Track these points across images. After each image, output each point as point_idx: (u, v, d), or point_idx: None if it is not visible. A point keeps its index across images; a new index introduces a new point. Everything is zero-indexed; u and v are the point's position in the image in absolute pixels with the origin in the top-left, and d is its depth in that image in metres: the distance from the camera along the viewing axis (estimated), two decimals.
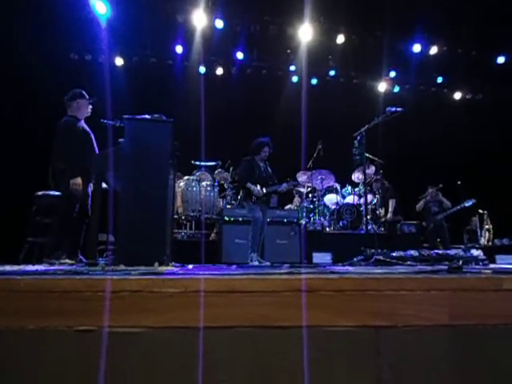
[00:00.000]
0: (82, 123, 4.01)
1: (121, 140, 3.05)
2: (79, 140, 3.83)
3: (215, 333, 1.32)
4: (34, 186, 4.48)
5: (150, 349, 1.30)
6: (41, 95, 6.17)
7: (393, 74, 8.73)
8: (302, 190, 7.21)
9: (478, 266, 3.30)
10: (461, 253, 3.80)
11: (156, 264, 2.56)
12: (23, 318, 1.31)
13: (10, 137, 6.10)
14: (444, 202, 7.08)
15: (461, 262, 3.29)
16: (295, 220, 5.93)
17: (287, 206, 7.09)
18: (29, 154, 5.95)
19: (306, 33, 7.66)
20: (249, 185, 4.92)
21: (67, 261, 3.50)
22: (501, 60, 8.48)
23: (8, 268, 2.52)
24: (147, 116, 3.07)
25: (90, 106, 4.06)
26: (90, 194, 3.92)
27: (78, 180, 3.68)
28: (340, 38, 7.98)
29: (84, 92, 4.05)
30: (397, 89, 8.99)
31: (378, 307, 1.36)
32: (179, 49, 7.73)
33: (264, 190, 4.93)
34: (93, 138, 4.01)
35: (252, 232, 4.86)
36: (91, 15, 6.73)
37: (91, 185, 3.90)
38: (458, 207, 6.95)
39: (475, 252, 3.82)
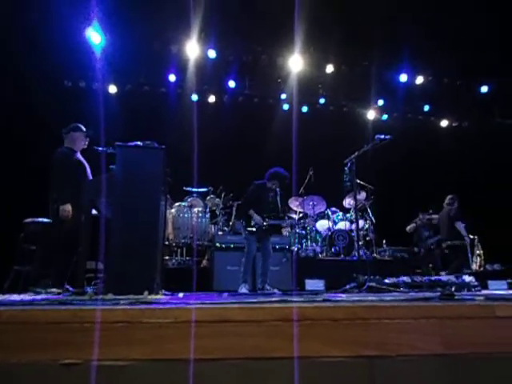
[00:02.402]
0: (78, 155, 4.07)
1: (112, 167, 3.05)
2: (72, 170, 3.87)
3: (206, 365, 1.28)
4: (21, 213, 4.43)
5: (139, 383, 1.26)
6: (34, 122, 6.20)
7: (381, 102, 8.96)
8: (293, 216, 7.21)
9: (470, 293, 3.29)
10: (453, 279, 3.80)
11: (146, 292, 2.51)
12: (5, 352, 1.26)
13: (0, 163, 6.06)
14: (433, 219, 7.12)
15: (453, 289, 3.29)
16: (287, 246, 5.90)
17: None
18: (19, 180, 5.91)
19: (296, 63, 7.88)
20: (251, 212, 4.81)
21: (54, 290, 3.42)
22: (484, 89, 8.79)
23: None
24: (139, 143, 3.09)
25: (87, 139, 4.13)
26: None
27: (68, 206, 3.68)
28: (329, 68, 8.21)
29: (80, 125, 4.13)
30: (385, 117, 9.21)
31: (371, 336, 1.35)
32: (172, 77, 7.88)
33: (267, 221, 4.81)
34: (87, 170, 4.05)
35: (244, 263, 4.74)
36: (86, 44, 6.86)
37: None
38: None
39: (467, 278, 3.82)
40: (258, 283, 4.83)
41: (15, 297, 2.77)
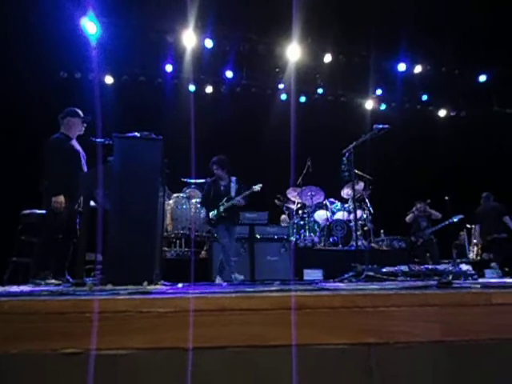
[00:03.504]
0: (74, 142, 3.94)
1: (110, 158, 3.04)
2: (66, 158, 3.75)
3: (206, 353, 1.30)
4: (19, 205, 4.42)
5: (139, 371, 1.27)
6: (30, 114, 6.15)
7: (379, 92, 8.92)
8: (291, 206, 7.23)
9: (467, 281, 3.32)
10: (450, 268, 3.82)
11: (145, 283, 2.53)
12: (6, 342, 1.27)
13: None
14: (433, 214, 7.17)
15: (450, 277, 3.32)
16: (285, 237, 5.92)
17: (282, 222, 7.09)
18: (16, 172, 5.89)
19: (293, 52, 7.82)
20: (209, 215, 4.96)
21: (53, 281, 3.43)
22: (482, 78, 8.77)
23: None
24: (137, 134, 3.08)
25: (84, 125, 4.00)
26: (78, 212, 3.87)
27: (61, 198, 3.58)
28: (327, 58, 8.16)
29: (77, 110, 3.98)
30: (383, 106, 9.19)
31: (369, 324, 1.36)
32: (169, 67, 7.81)
33: (221, 209, 4.86)
34: (82, 158, 3.96)
35: (223, 257, 4.81)
36: (81, 34, 6.79)
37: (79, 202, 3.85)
38: (447, 222, 7.03)
39: (464, 267, 3.85)
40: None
41: (15, 288, 2.78)
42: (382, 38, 7.50)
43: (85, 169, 3.93)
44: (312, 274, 5.50)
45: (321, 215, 7.03)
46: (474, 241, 8.13)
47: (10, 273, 4.16)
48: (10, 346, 1.26)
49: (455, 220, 6.96)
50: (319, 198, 7.10)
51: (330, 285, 2.67)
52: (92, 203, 3.66)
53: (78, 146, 3.97)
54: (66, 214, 3.65)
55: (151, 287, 2.45)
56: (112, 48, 7.19)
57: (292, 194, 7.22)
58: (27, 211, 4.29)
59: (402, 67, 8.46)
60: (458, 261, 6.95)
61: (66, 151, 3.80)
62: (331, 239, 6.51)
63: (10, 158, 6.08)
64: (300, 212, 7.00)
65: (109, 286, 2.39)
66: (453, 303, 1.42)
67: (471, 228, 8.08)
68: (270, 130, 7.84)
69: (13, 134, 6.24)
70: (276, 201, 7.35)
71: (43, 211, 3.83)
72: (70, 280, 3.59)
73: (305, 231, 6.80)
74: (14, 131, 6.26)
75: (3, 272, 4.16)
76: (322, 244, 6.54)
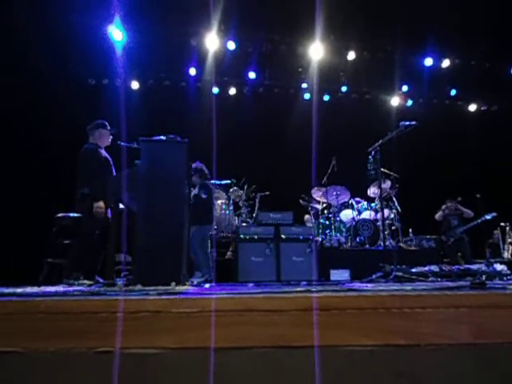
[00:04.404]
0: (103, 151, 4.20)
1: (137, 161, 3.12)
2: (101, 166, 4.00)
3: (232, 354, 1.31)
4: (54, 208, 4.60)
5: (169, 370, 1.30)
6: (62, 119, 6.39)
7: (405, 88, 8.71)
8: (316, 206, 7.17)
9: (502, 282, 3.19)
10: (483, 268, 3.69)
11: (173, 284, 2.57)
12: (43, 340, 1.32)
13: (32, 160, 6.29)
14: (465, 212, 6.94)
15: (484, 278, 3.20)
16: (311, 237, 5.86)
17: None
18: (50, 177, 6.12)
19: (316, 51, 7.75)
20: None
21: (85, 281, 3.54)
22: None
23: (28, 289, 2.56)
24: (162, 137, 3.14)
25: (111, 137, 4.25)
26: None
27: (101, 203, 3.80)
28: (351, 55, 8.05)
29: (106, 123, 4.26)
30: (410, 103, 8.96)
31: (398, 325, 1.33)
32: (192, 71, 7.92)
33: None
34: (112, 165, 4.18)
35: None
36: (108, 42, 6.98)
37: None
38: (479, 221, 6.79)
39: (499, 267, 3.71)
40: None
41: (49, 288, 2.88)
42: (408, 32, 7.31)
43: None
44: (339, 275, 5.44)
45: (347, 215, 6.94)
46: (509, 239, 7.81)
47: (44, 274, 4.32)
48: (49, 343, 1.31)
49: (488, 218, 6.71)
50: (344, 197, 7.01)
51: (358, 285, 2.63)
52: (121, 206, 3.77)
53: (107, 155, 4.22)
54: (101, 218, 3.80)
55: (179, 288, 2.49)
56: (137, 53, 7.36)
57: (317, 193, 7.16)
58: (61, 214, 4.46)
59: (428, 62, 8.22)
60: (492, 260, 6.69)
61: (100, 159, 4.06)
62: (358, 239, 6.41)
63: (43, 162, 6.33)
64: (325, 212, 6.92)
65: (138, 287, 2.45)
66: (487, 304, 1.37)
67: (505, 226, 7.75)
68: (294, 129, 7.80)
69: (45, 139, 6.49)
70: (301, 201, 7.31)
71: (77, 214, 4.00)
72: (100, 280, 3.70)
73: (330, 231, 6.72)
74: (45, 137, 6.51)
75: (38, 273, 4.33)
76: (349, 244, 6.45)
